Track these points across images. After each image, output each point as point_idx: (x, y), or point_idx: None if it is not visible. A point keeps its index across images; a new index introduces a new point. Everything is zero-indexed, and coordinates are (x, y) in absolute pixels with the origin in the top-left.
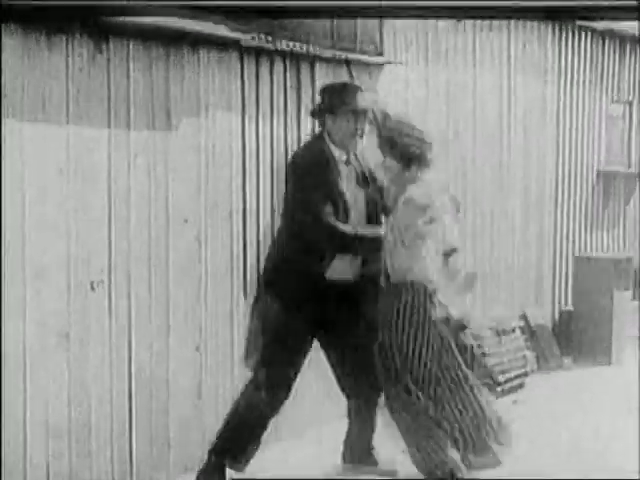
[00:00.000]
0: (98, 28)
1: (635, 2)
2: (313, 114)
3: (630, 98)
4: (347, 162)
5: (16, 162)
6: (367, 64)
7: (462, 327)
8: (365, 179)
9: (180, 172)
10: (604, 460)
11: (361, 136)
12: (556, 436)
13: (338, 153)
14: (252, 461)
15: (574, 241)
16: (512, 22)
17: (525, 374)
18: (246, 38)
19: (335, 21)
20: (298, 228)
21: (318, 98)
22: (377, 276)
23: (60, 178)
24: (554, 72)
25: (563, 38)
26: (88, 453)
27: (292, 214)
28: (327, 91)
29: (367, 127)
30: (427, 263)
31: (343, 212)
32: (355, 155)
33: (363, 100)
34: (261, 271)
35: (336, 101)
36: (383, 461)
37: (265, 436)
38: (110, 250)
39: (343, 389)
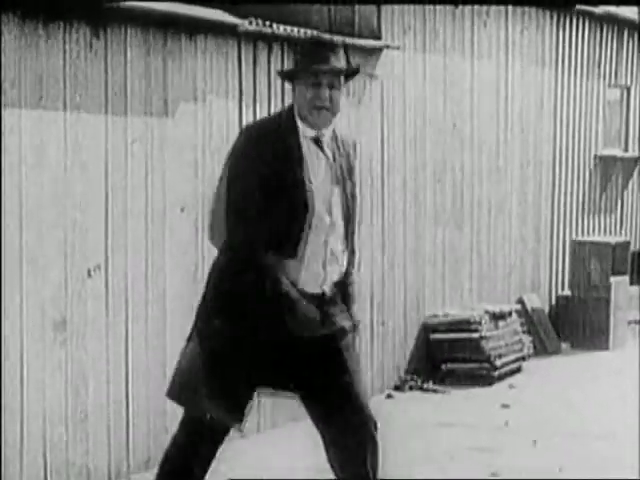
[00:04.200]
0: (95, 14)
1: None
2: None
3: (628, 83)
4: (317, 142)
5: (14, 149)
6: (365, 48)
7: None
8: (345, 170)
9: (177, 158)
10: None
11: (329, 109)
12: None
13: (303, 128)
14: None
15: (571, 225)
16: (510, 8)
17: (522, 358)
18: (243, 23)
19: (333, 6)
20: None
21: None
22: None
23: (57, 164)
24: (552, 57)
25: (561, 23)
26: (85, 440)
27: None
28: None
29: (340, 97)
30: None
31: (294, 214)
32: (336, 137)
33: (335, 60)
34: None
35: (297, 61)
36: None
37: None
38: (107, 236)
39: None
